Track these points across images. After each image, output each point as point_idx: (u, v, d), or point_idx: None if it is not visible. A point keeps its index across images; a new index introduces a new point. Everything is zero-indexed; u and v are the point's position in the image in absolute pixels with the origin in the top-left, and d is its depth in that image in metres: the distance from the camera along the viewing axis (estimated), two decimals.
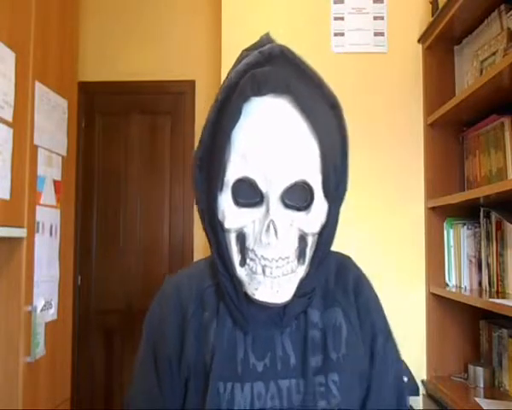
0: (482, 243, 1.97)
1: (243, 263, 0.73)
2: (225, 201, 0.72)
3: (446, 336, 2.19)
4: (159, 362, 0.77)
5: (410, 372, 2.00)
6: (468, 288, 2.05)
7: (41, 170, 1.83)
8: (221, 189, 0.72)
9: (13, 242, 1.69)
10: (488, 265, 1.93)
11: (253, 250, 0.71)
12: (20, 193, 1.69)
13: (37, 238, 1.80)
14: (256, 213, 0.71)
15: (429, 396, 2.15)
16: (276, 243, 0.69)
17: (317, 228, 0.73)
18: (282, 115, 0.70)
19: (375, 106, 2.36)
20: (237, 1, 2.42)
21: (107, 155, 3.48)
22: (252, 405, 0.71)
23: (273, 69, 0.72)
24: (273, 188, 0.70)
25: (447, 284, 2.18)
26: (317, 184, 0.72)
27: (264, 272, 0.71)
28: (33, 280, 1.76)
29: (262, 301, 0.71)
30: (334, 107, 0.78)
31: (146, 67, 3.42)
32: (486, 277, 1.93)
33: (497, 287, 1.86)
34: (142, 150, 3.47)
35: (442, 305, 2.19)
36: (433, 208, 2.24)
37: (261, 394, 0.72)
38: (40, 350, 1.79)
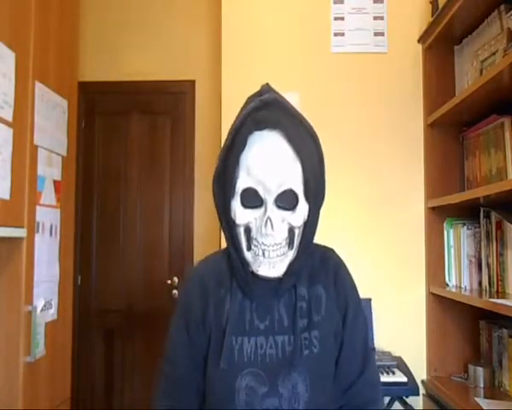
0: (482, 243, 1.97)
1: (249, 248, 1.01)
2: (236, 204, 1.00)
3: (446, 336, 2.19)
4: (190, 326, 1.06)
5: (410, 372, 2.00)
6: (468, 288, 2.05)
7: (41, 170, 1.83)
8: (233, 196, 1.00)
9: (13, 242, 1.69)
10: (488, 265, 1.93)
11: (256, 239, 0.99)
12: (20, 193, 1.69)
13: (37, 238, 1.80)
14: (258, 212, 0.99)
15: (429, 396, 2.15)
16: (272, 233, 0.98)
17: (300, 222, 1.01)
18: (275, 143, 0.99)
19: (375, 106, 2.36)
20: (237, 1, 2.42)
21: (107, 155, 3.48)
22: (255, 352, 1.00)
23: (268, 113, 1.00)
24: (269, 194, 0.98)
25: (447, 284, 2.18)
26: (300, 191, 1.00)
27: (263, 254, 0.99)
28: (33, 280, 1.76)
29: (262, 275, 1.00)
30: (312, 136, 1.04)
31: (146, 67, 3.42)
32: (486, 277, 1.93)
33: (497, 287, 1.86)
34: (142, 150, 3.47)
35: (442, 305, 2.19)
36: (433, 208, 2.24)
37: (262, 345, 1.01)
38: (40, 350, 1.79)
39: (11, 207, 1.63)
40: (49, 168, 1.91)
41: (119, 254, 3.42)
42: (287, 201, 0.99)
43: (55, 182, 1.95)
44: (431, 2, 2.22)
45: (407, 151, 2.34)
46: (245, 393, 0.98)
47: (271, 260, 0.99)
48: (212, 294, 1.06)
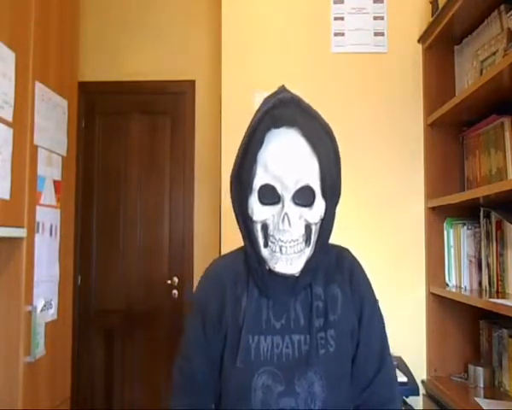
0: (482, 243, 1.97)
1: (266, 245, 1.01)
2: (253, 201, 1.01)
3: (446, 336, 2.19)
4: (206, 323, 1.06)
5: (410, 372, 2.00)
6: (468, 288, 2.05)
7: (41, 170, 1.83)
8: (250, 193, 1.01)
9: (13, 242, 1.69)
10: (488, 265, 1.93)
11: (273, 235, 1.00)
12: (20, 193, 1.69)
13: (37, 238, 1.80)
14: (275, 209, 1.00)
15: (429, 396, 2.15)
16: (289, 229, 0.97)
17: (317, 219, 1.01)
18: (292, 141, 0.99)
19: (375, 106, 2.36)
20: (237, 1, 2.42)
21: (107, 155, 3.48)
22: (272, 351, 1.00)
23: (285, 110, 1.01)
24: (287, 191, 0.98)
25: (447, 284, 2.18)
26: (317, 187, 1.00)
27: (281, 251, 0.99)
28: (33, 280, 1.76)
29: (279, 272, 1.00)
30: (328, 133, 1.05)
31: (146, 67, 3.42)
32: (486, 277, 1.93)
33: (497, 287, 1.86)
34: (142, 150, 3.47)
35: (442, 305, 2.19)
36: (433, 208, 2.24)
37: (279, 344, 1.01)
38: (40, 350, 1.79)
39: (11, 207, 1.63)
40: (49, 168, 1.91)
41: (119, 254, 3.42)
42: (304, 197, 0.99)
43: (55, 182, 1.95)
44: (431, 2, 2.22)
45: (407, 151, 2.34)
46: (261, 392, 0.98)
47: (288, 256, 0.99)
48: (228, 292, 1.06)
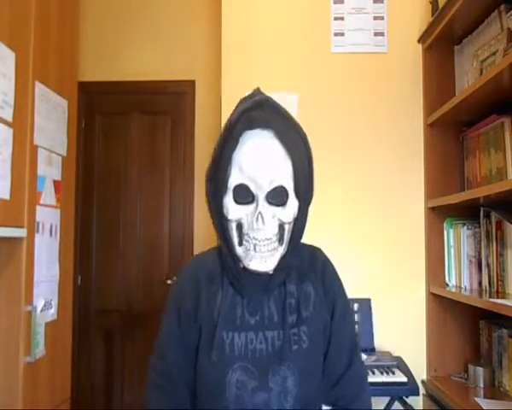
0: (482, 243, 1.97)
1: (240, 243, 1.03)
2: (228, 200, 1.03)
3: (446, 337, 2.19)
4: (181, 317, 1.08)
5: (410, 372, 2.00)
6: (468, 288, 2.05)
7: (41, 170, 1.83)
8: (225, 192, 1.03)
9: (13, 242, 1.69)
10: (488, 265, 1.93)
11: (247, 234, 1.02)
12: (20, 193, 1.69)
13: (37, 238, 1.80)
14: (249, 208, 1.02)
15: (429, 396, 2.15)
16: (263, 228, 1.00)
17: (290, 218, 1.04)
18: (266, 142, 1.02)
19: (375, 106, 2.36)
20: (237, 1, 2.42)
21: (107, 155, 3.48)
22: (246, 347, 1.03)
23: (260, 112, 1.03)
24: (261, 191, 1.01)
25: (447, 284, 2.18)
26: (290, 188, 1.03)
27: (255, 249, 1.01)
28: (33, 280, 1.76)
29: (254, 270, 1.02)
30: (302, 137, 1.07)
31: (146, 67, 3.42)
32: (486, 277, 1.93)
33: (497, 287, 1.86)
34: (142, 150, 3.47)
35: (442, 305, 2.19)
36: (433, 208, 2.24)
37: (252, 340, 1.04)
38: (40, 350, 1.79)
39: (11, 207, 1.63)
40: (49, 168, 1.91)
41: (119, 254, 3.42)
42: (277, 197, 1.02)
43: (55, 182, 1.95)
44: (431, 2, 2.22)
45: (407, 151, 2.34)
46: (235, 387, 1.00)
47: (262, 254, 1.01)
48: (203, 288, 1.08)
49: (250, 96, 1.08)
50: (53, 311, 1.92)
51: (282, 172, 1.01)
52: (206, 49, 3.39)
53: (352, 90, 2.37)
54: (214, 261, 1.12)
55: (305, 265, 1.13)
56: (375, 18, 2.38)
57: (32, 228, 1.76)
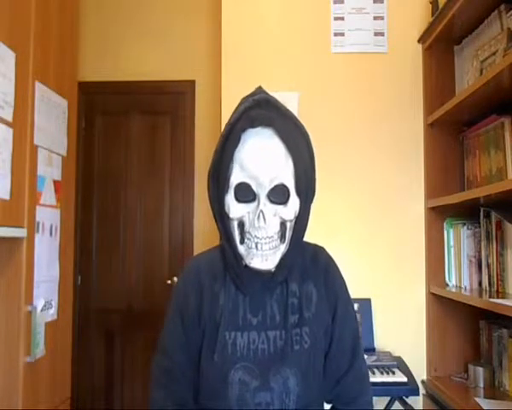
0: (482, 243, 1.97)
1: (242, 242, 1.03)
2: (230, 198, 1.03)
3: (446, 336, 2.19)
4: (185, 319, 1.09)
5: (410, 372, 2.00)
6: (468, 288, 2.05)
7: (41, 170, 1.83)
8: (227, 191, 1.03)
9: (13, 242, 1.69)
10: (488, 265, 1.93)
11: (249, 232, 1.02)
12: (20, 193, 1.69)
13: (37, 238, 1.80)
14: (251, 206, 1.02)
15: (429, 396, 2.15)
16: (264, 226, 1.00)
17: (292, 216, 1.04)
18: (268, 140, 1.02)
19: (374, 106, 2.36)
20: (237, 1, 2.42)
21: (107, 155, 3.48)
22: (248, 347, 1.03)
23: (262, 111, 1.04)
24: (262, 189, 1.01)
25: (447, 284, 2.18)
26: (291, 186, 1.03)
27: (256, 247, 1.01)
28: (33, 280, 1.76)
29: (255, 268, 1.02)
30: (304, 135, 1.08)
31: (146, 67, 3.42)
32: (486, 277, 1.93)
33: (497, 287, 1.86)
34: (142, 150, 3.47)
35: (442, 305, 2.19)
36: (433, 208, 2.24)
37: (255, 340, 1.04)
38: (40, 350, 1.79)
39: (11, 207, 1.63)
40: (49, 168, 1.91)
41: (119, 254, 3.42)
42: (279, 195, 1.02)
43: (55, 182, 1.95)
44: (431, 3, 2.22)
45: (407, 151, 2.34)
46: (237, 387, 1.01)
47: (264, 252, 1.01)
48: (206, 288, 1.08)
49: (252, 95, 1.09)
50: (53, 311, 1.92)
51: (284, 171, 1.02)
52: (206, 49, 3.39)
53: (351, 90, 2.37)
54: (216, 259, 1.12)
55: (308, 264, 1.12)
56: (375, 18, 2.38)
57: (32, 228, 1.76)
